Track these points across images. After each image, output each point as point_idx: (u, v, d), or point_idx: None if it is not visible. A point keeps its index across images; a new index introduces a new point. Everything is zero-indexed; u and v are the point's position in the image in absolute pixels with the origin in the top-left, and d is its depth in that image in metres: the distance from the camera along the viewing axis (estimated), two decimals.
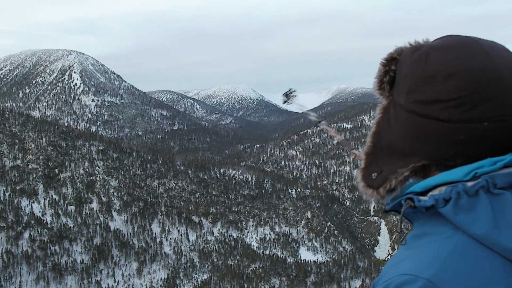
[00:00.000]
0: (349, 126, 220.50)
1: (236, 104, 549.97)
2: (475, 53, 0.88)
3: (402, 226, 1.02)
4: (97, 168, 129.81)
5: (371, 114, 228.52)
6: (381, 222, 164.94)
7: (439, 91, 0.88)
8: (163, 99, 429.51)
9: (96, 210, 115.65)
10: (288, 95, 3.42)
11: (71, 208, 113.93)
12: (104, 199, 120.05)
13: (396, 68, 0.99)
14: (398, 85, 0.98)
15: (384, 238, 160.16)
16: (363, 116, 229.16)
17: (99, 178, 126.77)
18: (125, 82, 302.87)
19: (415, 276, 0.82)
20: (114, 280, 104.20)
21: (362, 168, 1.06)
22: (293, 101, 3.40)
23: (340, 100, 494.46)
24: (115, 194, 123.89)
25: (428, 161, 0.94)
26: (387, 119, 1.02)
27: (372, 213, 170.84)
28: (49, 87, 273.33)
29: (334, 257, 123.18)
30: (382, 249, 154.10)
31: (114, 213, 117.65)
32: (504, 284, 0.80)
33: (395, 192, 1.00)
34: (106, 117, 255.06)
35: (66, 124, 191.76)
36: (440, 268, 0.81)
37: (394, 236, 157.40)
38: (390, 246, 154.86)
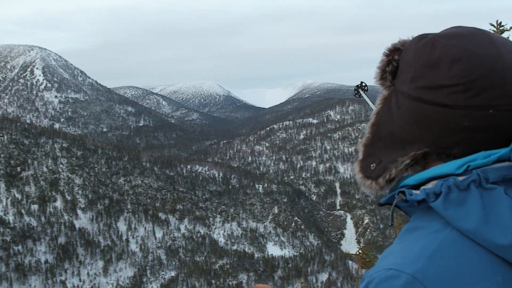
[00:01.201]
0: (315, 121, 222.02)
1: (202, 100, 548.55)
2: (481, 41, 0.87)
3: (394, 220, 1.00)
4: (61, 165, 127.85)
5: (337, 109, 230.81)
6: (347, 216, 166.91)
7: (444, 76, 0.87)
8: (128, 95, 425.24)
9: (60, 209, 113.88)
10: (360, 88, 3.35)
11: (34, 207, 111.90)
12: (69, 197, 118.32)
13: (400, 58, 0.98)
14: (402, 73, 0.96)
15: (350, 231, 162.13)
16: (329, 111, 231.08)
17: (63, 176, 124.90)
18: (89, 78, 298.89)
19: (399, 271, 0.81)
20: (80, 279, 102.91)
21: (360, 159, 1.05)
22: (365, 95, 3.33)
23: (306, 96, 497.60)
24: (80, 192, 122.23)
25: (430, 148, 0.92)
26: (388, 108, 1.00)
27: (338, 207, 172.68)
28: (10, 84, 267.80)
29: (301, 251, 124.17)
30: (348, 243, 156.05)
31: (79, 212, 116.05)
32: (492, 282, 0.79)
33: (394, 182, 0.99)
34: (69, 114, 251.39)
35: (28, 121, 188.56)
36: (425, 263, 0.80)
37: (359, 230, 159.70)
38: (356, 239, 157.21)
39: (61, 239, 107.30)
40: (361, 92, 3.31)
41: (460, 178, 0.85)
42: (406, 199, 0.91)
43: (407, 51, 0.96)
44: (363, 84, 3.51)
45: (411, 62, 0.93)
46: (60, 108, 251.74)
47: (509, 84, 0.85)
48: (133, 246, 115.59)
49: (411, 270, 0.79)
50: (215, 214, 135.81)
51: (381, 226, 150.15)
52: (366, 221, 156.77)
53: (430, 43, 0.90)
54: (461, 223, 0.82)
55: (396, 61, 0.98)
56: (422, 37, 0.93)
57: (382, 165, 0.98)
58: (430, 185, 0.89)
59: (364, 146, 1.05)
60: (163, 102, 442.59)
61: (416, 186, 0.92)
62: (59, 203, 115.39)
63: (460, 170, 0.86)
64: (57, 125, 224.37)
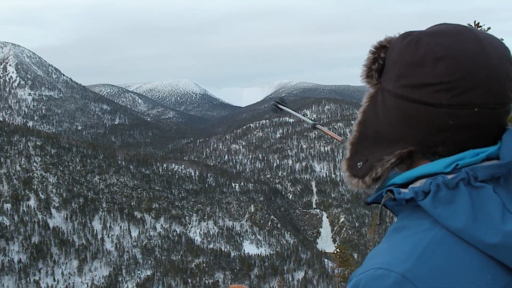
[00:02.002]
0: (291, 120, 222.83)
1: (178, 98, 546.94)
2: (467, 39, 0.87)
3: (382, 219, 0.98)
4: (35, 164, 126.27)
5: (313, 108, 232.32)
6: (323, 215, 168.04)
7: (429, 74, 0.86)
8: (104, 93, 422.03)
9: (34, 208, 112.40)
10: (278, 106, 3.34)
11: (7, 206, 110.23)
12: (42, 196, 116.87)
13: (386, 56, 0.97)
14: (387, 71, 0.95)
15: (326, 230, 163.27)
16: (305, 110, 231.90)
17: (37, 174, 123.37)
18: (63, 75, 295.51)
19: (389, 270, 0.80)
20: (54, 279, 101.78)
21: (347, 158, 1.04)
22: (284, 111, 3.32)
23: (283, 95, 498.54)
24: (54, 190, 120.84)
25: (415, 147, 0.91)
26: (374, 107, 0.99)
27: (314, 206, 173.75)
28: None
29: (277, 250, 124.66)
30: (324, 241, 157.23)
31: (53, 210, 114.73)
32: (482, 281, 0.79)
33: (381, 180, 0.98)
34: (43, 112, 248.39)
35: (1, 119, 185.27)
36: (415, 262, 0.79)
37: (335, 228, 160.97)
38: (331, 238, 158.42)
39: (35, 238, 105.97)
40: (281, 106, 3.34)
41: (449, 177, 0.85)
42: (394, 198, 0.91)
43: (392, 49, 0.95)
44: (282, 100, 3.55)
45: (396, 60, 0.92)
46: (33, 105, 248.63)
47: (494, 82, 0.85)
48: (109, 245, 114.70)
49: (401, 270, 0.79)
50: (191, 213, 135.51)
51: (357, 224, 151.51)
52: (342, 219, 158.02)
53: (414, 41, 0.89)
54: (450, 221, 0.82)
55: (382, 58, 0.98)
56: (407, 35, 0.93)
57: (368, 164, 0.97)
58: (418, 184, 0.88)
59: (351, 145, 1.04)
60: (139, 100, 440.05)
61: (404, 185, 0.92)
62: (32, 202, 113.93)
63: (449, 168, 0.86)
64: (30, 123, 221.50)
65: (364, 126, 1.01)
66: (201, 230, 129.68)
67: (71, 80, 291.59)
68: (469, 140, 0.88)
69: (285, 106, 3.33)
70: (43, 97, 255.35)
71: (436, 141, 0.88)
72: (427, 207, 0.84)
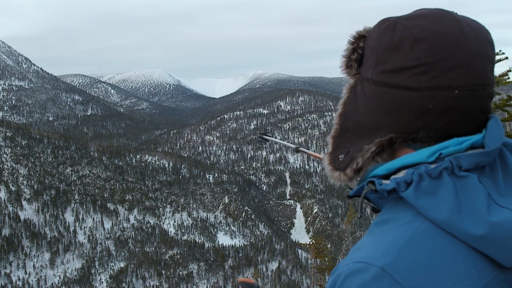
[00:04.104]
0: (265, 111, 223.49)
1: (152, 89, 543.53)
2: (445, 21, 0.85)
3: (364, 212, 0.94)
4: (5, 155, 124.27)
5: (287, 100, 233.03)
6: (296, 205, 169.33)
7: (406, 57, 0.83)
8: (76, 83, 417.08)
9: (4, 200, 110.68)
10: (262, 137, 3.38)
11: None
12: (13, 188, 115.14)
13: (364, 45, 0.94)
14: (366, 60, 0.93)
15: (299, 220, 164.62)
16: (279, 101, 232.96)
17: (7, 166, 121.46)
18: (34, 65, 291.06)
19: (368, 264, 0.77)
20: (25, 272, 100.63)
21: (329, 152, 1.00)
22: (268, 141, 3.36)
23: (257, 86, 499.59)
24: (25, 182, 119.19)
25: (395, 134, 0.88)
26: (354, 97, 0.96)
27: (288, 197, 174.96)
28: None
29: (251, 240, 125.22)
30: (298, 232, 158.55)
31: (24, 202, 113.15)
32: (466, 275, 0.76)
33: (362, 172, 0.94)
34: (13, 102, 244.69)
35: None
36: (396, 256, 0.76)
37: (309, 219, 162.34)
38: (305, 228, 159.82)
39: (5, 231, 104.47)
40: (266, 137, 3.41)
41: (432, 166, 0.82)
42: (376, 189, 0.88)
43: (370, 37, 0.93)
44: (265, 131, 3.62)
45: (374, 47, 0.90)
46: (3, 96, 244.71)
47: (474, 62, 0.83)
48: (81, 237, 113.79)
49: (381, 263, 0.76)
50: (165, 204, 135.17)
51: (330, 215, 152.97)
52: (315, 210, 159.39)
53: (391, 26, 0.88)
54: (433, 213, 0.79)
55: (361, 48, 0.95)
56: (385, 21, 0.91)
57: (349, 155, 0.95)
58: (401, 174, 0.85)
59: (332, 138, 1.00)
60: (112, 91, 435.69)
61: (387, 176, 0.89)
62: (3, 194, 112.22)
63: (432, 158, 0.83)
64: (0, 114, 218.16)
65: (345, 118, 0.99)
66: (175, 221, 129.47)
67: (42, 70, 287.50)
68: (451, 125, 0.85)
69: (269, 136, 3.42)
70: (13, 87, 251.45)
71: (416, 126, 0.86)
72: (409, 198, 0.82)
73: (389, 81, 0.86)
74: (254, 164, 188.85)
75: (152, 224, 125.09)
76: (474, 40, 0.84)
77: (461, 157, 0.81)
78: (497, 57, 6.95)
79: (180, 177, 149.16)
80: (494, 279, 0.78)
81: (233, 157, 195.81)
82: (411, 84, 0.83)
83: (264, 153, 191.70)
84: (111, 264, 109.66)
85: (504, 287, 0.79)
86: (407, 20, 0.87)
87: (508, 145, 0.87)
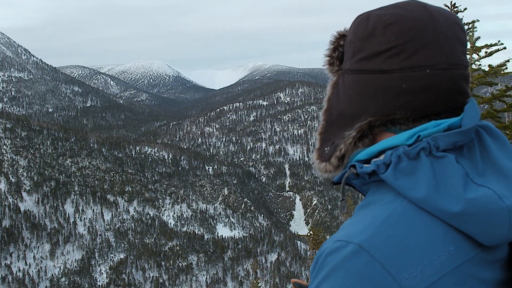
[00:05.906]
0: (265, 103, 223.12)
1: (151, 80, 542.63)
2: (414, 7, 0.90)
3: (345, 196, 0.97)
4: (5, 147, 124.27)
5: (287, 91, 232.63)
6: (296, 197, 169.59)
7: (379, 42, 0.88)
8: (75, 74, 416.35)
9: (4, 191, 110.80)
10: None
11: None
12: (13, 179, 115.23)
13: (344, 43, 0.99)
14: (346, 54, 0.98)
15: (299, 212, 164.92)
16: (279, 93, 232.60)
17: (7, 157, 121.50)
18: (33, 56, 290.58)
19: (346, 241, 0.79)
20: (26, 263, 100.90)
21: (317, 148, 1.02)
22: None
23: (256, 77, 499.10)
24: (25, 174, 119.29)
25: (374, 117, 0.91)
26: (337, 92, 1.00)
27: (287, 189, 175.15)
28: None
29: (250, 232, 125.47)
30: (297, 223, 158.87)
31: (24, 194, 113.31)
32: (443, 252, 0.77)
33: (346, 159, 0.96)
34: (13, 94, 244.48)
35: None
36: (372, 233, 0.78)
37: (308, 211, 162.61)
38: (304, 220, 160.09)
39: (6, 222, 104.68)
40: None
41: (410, 147, 0.84)
42: (357, 173, 0.90)
43: (348, 32, 0.98)
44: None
45: (351, 39, 0.95)
46: (2, 87, 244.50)
47: (443, 42, 0.87)
48: (81, 229, 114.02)
49: (358, 240, 0.78)
50: (164, 196, 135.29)
51: (329, 207, 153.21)
52: (314, 202, 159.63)
53: (365, 18, 0.93)
54: (412, 192, 0.81)
55: (342, 46, 1.00)
56: (360, 15, 0.96)
57: (333, 145, 0.97)
58: (381, 157, 0.88)
59: (320, 134, 1.03)
60: (111, 82, 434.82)
61: (368, 161, 0.91)
62: (3, 185, 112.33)
63: (411, 140, 0.86)
64: (0, 105, 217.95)
65: (329, 113, 1.02)
66: (174, 213, 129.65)
67: (41, 61, 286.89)
68: (427, 104, 0.88)
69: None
70: (13, 78, 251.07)
71: (392, 107, 0.89)
72: (388, 179, 0.84)
73: (365, 68, 0.91)
74: (254, 155, 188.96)
75: (151, 215, 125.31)
76: (443, 23, 0.88)
77: (439, 137, 0.84)
78: (495, 47, 6.97)
79: (180, 168, 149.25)
80: (475, 257, 0.79)
81: (233, 149, 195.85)
82: (385, 67, 0.88)
83: (264, 145, 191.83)
84: (111, 256, 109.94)
85: (485, 266, 0.81)
86: (379, 10, 0.93)
87: (486, 127, 0.90)
